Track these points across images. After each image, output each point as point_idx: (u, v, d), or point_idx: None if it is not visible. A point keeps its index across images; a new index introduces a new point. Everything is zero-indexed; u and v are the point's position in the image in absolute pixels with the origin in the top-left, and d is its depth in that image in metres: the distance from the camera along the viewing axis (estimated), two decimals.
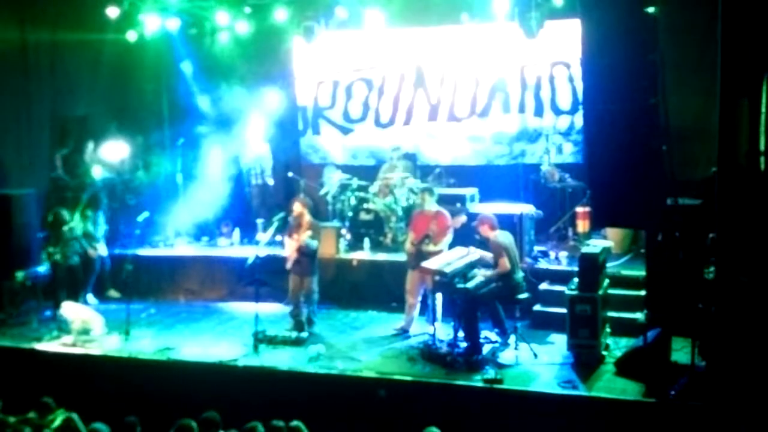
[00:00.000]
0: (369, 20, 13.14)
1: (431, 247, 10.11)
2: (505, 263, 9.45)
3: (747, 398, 7.46)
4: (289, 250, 10.52)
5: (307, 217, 10.60)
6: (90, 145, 13.93)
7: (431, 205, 10.53)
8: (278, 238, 11.27)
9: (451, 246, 10.19)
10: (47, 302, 11.66)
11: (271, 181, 14.06)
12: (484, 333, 9.66)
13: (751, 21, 7.74)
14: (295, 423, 7.02)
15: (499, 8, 12.57)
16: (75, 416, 7.45)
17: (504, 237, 9.71)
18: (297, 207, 10.62)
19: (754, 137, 7.98)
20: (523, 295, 9.69)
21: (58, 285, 11.78)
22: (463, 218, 10.22)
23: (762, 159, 8.16)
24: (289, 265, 10.52)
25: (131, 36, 13.78)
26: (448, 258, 9.70)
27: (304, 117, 15.04)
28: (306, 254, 10.41)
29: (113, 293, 12.46)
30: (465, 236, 10.30)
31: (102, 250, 12.48)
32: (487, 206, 11.79)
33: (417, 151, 13.91)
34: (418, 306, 10.43)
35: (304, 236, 10.37)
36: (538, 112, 13.52)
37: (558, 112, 13.42)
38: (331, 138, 14.92)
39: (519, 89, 13.60)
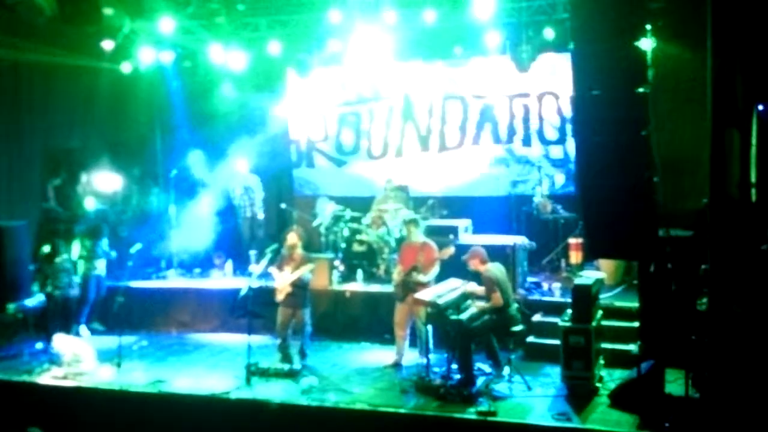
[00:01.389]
0: (360, 54, 13.23)
1: (420, 278, 10.11)
2: (497, 298, 9.43)
3: (741, 429, 7.43)
4: (280, 282, 10.48)
5: (299, 250, 10.57)
6: (83, 177, 13.94)
7: (417, 237, 10.52)
8: (271, 270, 11.25)
9: (445, 278, 10.17)
10: (39, 335, 11.59)
11: (261, 215, 14.05)
12: (478, 365, 9.64)
13: (742, 53, 7.83)
14: None
15: (492, 42, 12.72)
16: None
17: (496, 270, 9.69)
18: (292, 238, 10.57)
19: (745, 168, 8.04)
20: (518, 328, 9.67)
21: (50, 317, 11.73)
22: (451, 250, 10.18)
23: (753, 190, 8.23)
24: (280, 298, 10.48)
25: (126, 68, 13.83)
26: (440, 290, 9.69)
27: (298, 149, 15.19)
28: (300, 287, 10.39)
29: (97, 326, 12.39)
30: (460, 268, 10.28)
31: (101, 268, 12.41)
32: (480, 237, 11.85)
33: (410, 182, 13.97)
34: (408, 338, 10.40)
35: (305, 270, 10.34)
36: (526, 142, 13.66)
37: (546, 142, 13.55)
38: (325, 170, 15.02)
39: (507, 119, 13.75)
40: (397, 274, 10.39)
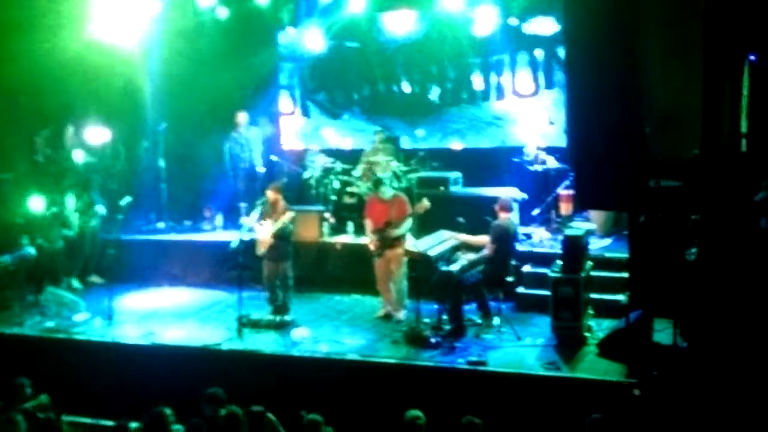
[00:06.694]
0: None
1: (396, 233, 10.10)
2: (491, 248, 9.47)
3: (728, 378, 7.52)
4: (262, 235, 10.45)
5: (282, 203, 10.55)
6: (70, 130, 13.81)
7: (386, 192, 10.46)
8: (251, 222, 11.20)
9: (433, 230, 10.19)
10: (29, 288, 11.58)
11: (261, 168, 13.90)
12: (468, 315, 9.70)
13: (734, 2, 7.76)
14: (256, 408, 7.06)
15: None
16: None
17: (506, 223, 9.72)
18: (272, 194, 10.52)
19: (735, 119, 8.02)
20: (508, 279, 9.73)
21: (41, 270, 11.70)
22: (425, 204, 10.18)
23: (743, 141, 8.22)
24: (262, 251, 10.47)
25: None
26: (431, 241, 9.72)
27: (292, 99, 15.04)
28: (282, 238, 10.36)
29: (96, 279, 12.39)
30: (449, 220, 10.30)
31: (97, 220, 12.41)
32: (471, 190, 11.87)
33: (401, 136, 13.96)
34: (393, 289, 10.44)
35: (286, 218, 10.33)
36: (500, 96, 13.64)
37: (520, 96, 13.52)
38: (317, 121, 14.92)
39: (483, 75, 13.72)
40: (369, 231, 10.40)
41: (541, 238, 11.57)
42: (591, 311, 9.51)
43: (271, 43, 14.84)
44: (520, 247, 10.91)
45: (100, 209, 12.41)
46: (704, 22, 7.80)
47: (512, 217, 10.02)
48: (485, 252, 9.52)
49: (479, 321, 9.77)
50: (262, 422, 7.03)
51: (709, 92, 7.88)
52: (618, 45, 7.93)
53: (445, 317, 9.48)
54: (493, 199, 10.27)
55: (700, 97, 7.94)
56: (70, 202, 12.20)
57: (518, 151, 12.89)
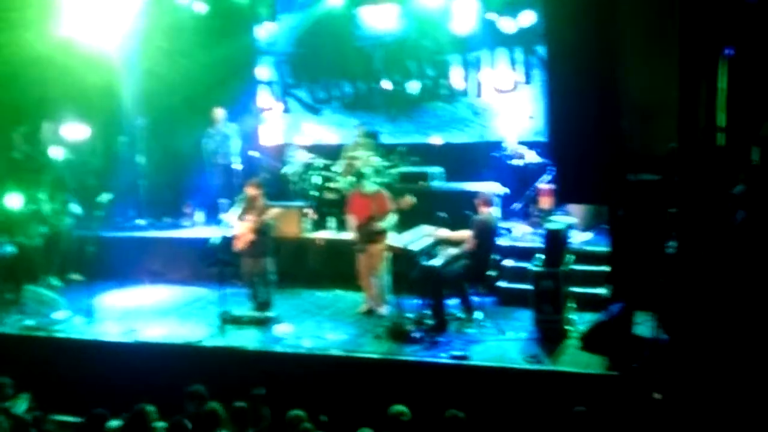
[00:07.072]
0: None
1: (379, 227, 10.12)
2: (473, 242, 9.51)
3: (707, 369, 7.60)
4: (241, 231, 10.40)
5: (262, 199, 10.53)
6: (48, 126, 13.70)
7: (368, 186, 10.48)
8: (230, 218, 11.17)
9: (414, 225, 10.22)
10: (8, 285, 11.48)
11: (237, 165, 13.82)
12: (450, 310, 9.73)
13: None
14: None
15: None
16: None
17: (487, 217, 9.76)
18: (251, 190, 10.49)
19: (711, 113, 8.09)
20: (490, 273, 9.77)
21: (20, 268, 11.61)
22: (408, 200, 10.21)
23: (719, 135, 8.29)
24: (240, 247, 10.44)
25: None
26: (412, 236, 9.74)
27: (272, 93, 15.01)
28: (262, 233, 10.33)
29: (75, 276, 12.31)
30: (430, 215, 10.33)
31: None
32: (452, 185, 11.90)
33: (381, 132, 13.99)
34: (375, 284, 10.46)
35: (270, 215, 10.32)
36: (479, 93, 13.72)
37: (498, 91, 13.60)
38: (297, 117, 14.90)
39: (462, 71, 13.78)
40: (353, 226, 10.41)
41: (522, 233, 11.63)
42: (572, 304, 9.57)
43: (249, 38, 14.82)
44: (501, 242, 10.96)
45: (75, 207, 12.31)
46: (680, 17, 7.86)
47: (493, 212, 10.06)
48: (467, 246, 9.56)
49: (461, 315, 9.81)
50: (245, 417, 7.04)
51: (685, 86, 7.95)
52: (597, 41, 7.97)
53: (427, 312, 9.50)
54: (474, 194, 10.30)
55: (677, 91, 8.01)
56: (45, 199, 12.10)
57: (498, 145, 12.95)
